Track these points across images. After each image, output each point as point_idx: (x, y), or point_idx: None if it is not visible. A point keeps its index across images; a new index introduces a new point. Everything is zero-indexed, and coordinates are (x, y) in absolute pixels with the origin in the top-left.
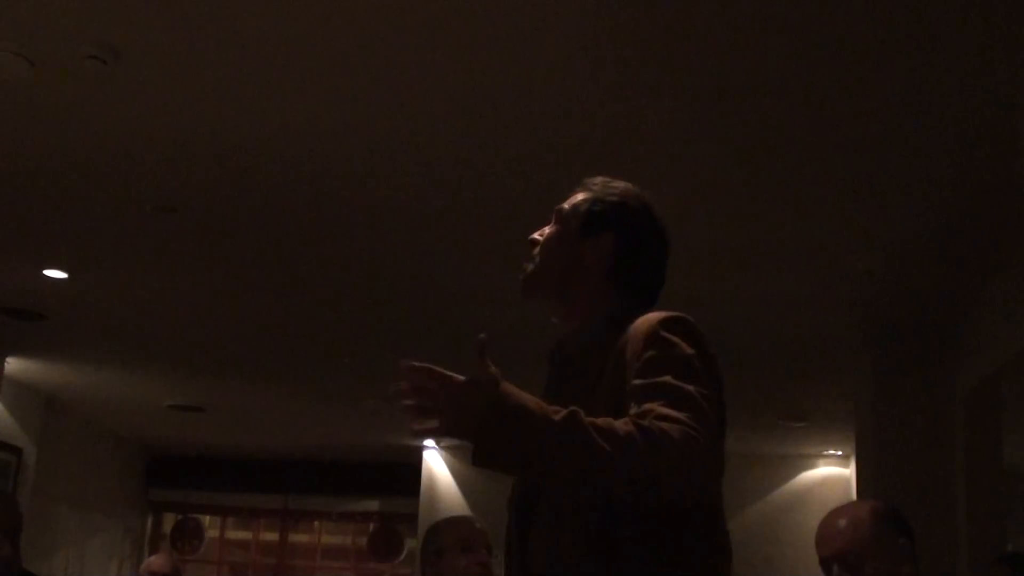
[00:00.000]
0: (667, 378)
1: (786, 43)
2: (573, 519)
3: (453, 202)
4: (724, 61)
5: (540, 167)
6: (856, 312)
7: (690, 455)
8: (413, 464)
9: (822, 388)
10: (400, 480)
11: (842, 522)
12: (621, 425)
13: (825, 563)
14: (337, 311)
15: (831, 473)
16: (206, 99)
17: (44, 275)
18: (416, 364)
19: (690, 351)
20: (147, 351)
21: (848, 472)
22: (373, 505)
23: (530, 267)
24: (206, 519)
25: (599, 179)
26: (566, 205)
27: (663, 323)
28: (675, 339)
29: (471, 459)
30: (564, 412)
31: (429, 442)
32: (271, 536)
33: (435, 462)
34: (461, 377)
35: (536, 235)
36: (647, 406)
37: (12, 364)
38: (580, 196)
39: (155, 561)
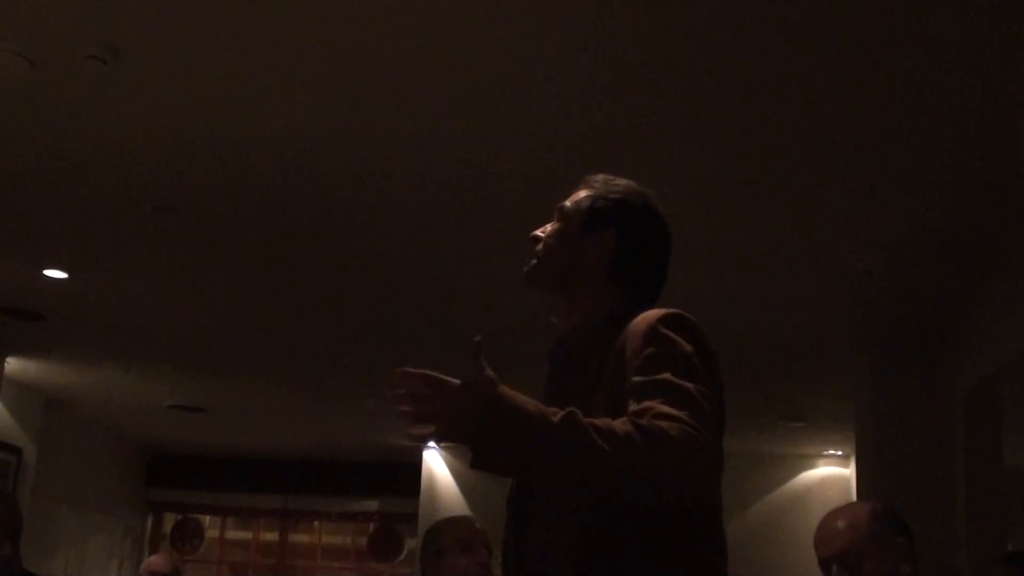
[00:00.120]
0: (666, 375)
1: (786, 43)
2: (570, 519)
3: (453, 202)
4: (724, 61)
5: (540, 167)
6: (856, 312)
7: (689, 454)
8: (413, 464)
9: (822, 388)
10: (400, 480)
11: (841, 523)
12: (620, 425)
13: (825, 564)
14: (337, 311)
15: (831, 473)
16: (206, 99)
17: (44, 275)
18: (411, 370)
19: (689, 349)
20: (147, 351)
21: (848, 472)
22: (373, 505)
23: (533, 263)
24: (206, 519)
25: (601, 176)
26: (568, 202)
27: (663, 320)
28: (675, 336)
29: (470, 463)
30: (562, 413)
31: (429, 442)
32: (271, 536)
33: (435, 462)
34: (457, 381)
35: (538, 231)
36: (646, 403)
37: (12, 364)
38: (582, 193)
39: (155, 561)
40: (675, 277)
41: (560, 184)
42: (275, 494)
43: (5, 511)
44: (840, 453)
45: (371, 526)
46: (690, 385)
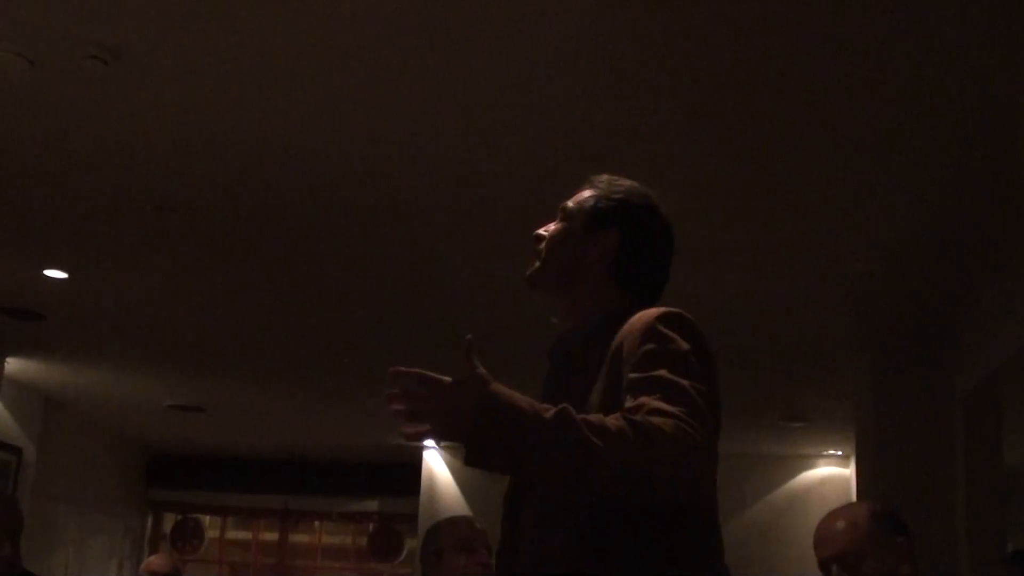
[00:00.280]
0: (662, 372)
1: (786, 43)
2: (565, 517)
3: (453, 202)
4: (724, 61)
5: (541, 167)
6: (856, 312)
7: (683, 449)
8: (413, 464)
9: (822, 388)
10: (400, 480)
11: (840, 523)
12: (612, 421)
13: (824, 564)
14: (337, 311)
15: (831, 473)
16: (206, 99)
17: (44, 275)
18: (404, 369)
19: (686, 347)
20: (147, 351)
21: (848, 472)
22: (373, 505)
23: (536, 263)
24: (206, 519)
25: (605, 177)
26: (571, 202)
27: (661, 318)
28: (672, 334)
29: (463, 460)
30: (554, 410)
31: (429, 442)
32: (271, 536)
33: (435, 462)
34: (449, 379)
35: (541, 231)
36: (642, 399)
37: (12, 364)
38: (586, 193)
39: (155, 561)
40: (675, 277)
41: (560, 184)
42: (275, 494)
43: (5, 511)
44: (840, 453)
45: (371, 526)
46: (686, 382)
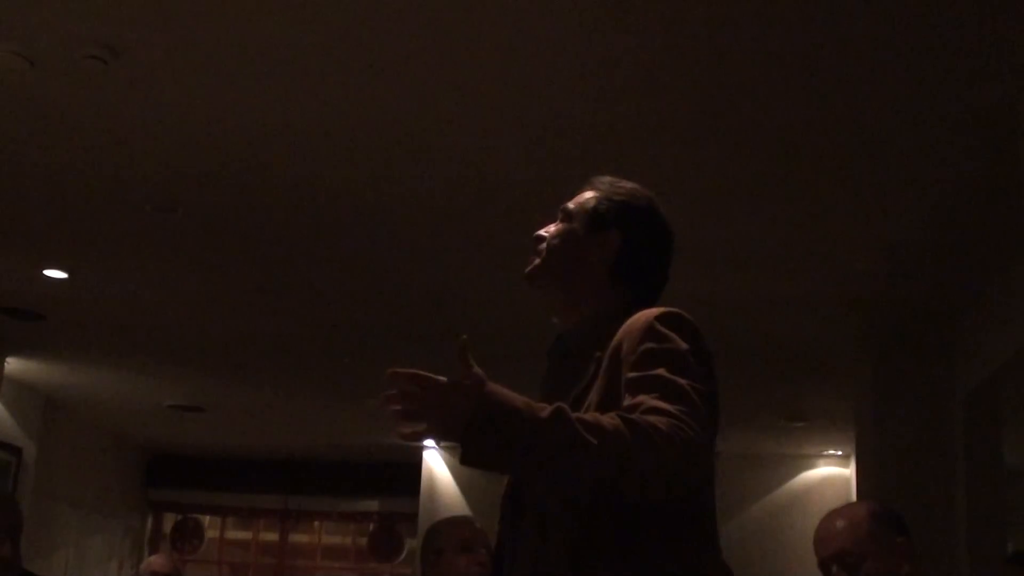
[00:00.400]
0: (661, 371)
1: (787, 44)
2: (563, 517)
3: (454, 202)
4: (725, 62)
5: (540, 167)
6: (856, 312)
7: (678, 448)
8: (413, 464)
9: (822, 388)
10: (400, 480)
11: (840, 523)
12: (608, 419)
13: (824, 565)
14: (337, 311)
15: (831, 473)
16: (206, 99)
17: (44, 275)
18: (400, 370)
19: (685, 346)
20: (147, 351)
21: (848, 472)
22: (373, 505)
23: (536, 261)
24: (206, 519)
25: (607, 178)
26: (572, 204)
27: (659, 318)
28: (670, 334)
29: (460, 459)
30: (550, 409)
31: (429, 442)
32: (271, 536)
33: (435, 462)
34: (444, 379)
35: (542, 232)
36: (640, 398)
37: (12, 364)
38: (587, 195)
39: (155, 561)
40: (676, 277)
41: (560, 184)
42: (275, 494)
43: (5, 511)
44: (840, 453)
45: (371, 526)
46: (684, 381)
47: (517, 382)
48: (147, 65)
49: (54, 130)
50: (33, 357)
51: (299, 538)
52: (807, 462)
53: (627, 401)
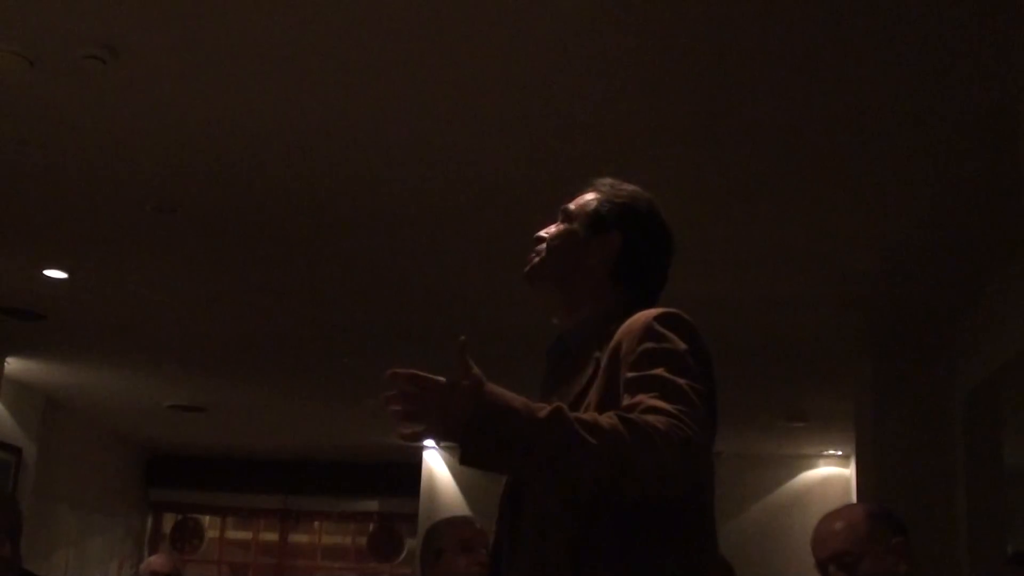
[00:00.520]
0: (659, 371)
1: (787, 44)
2: (561, 517)
3: (453, 202)
4: (724, 62)
5: (541, 168)
6: (856, 312)
7: (677, 446)
8: (413, 464)
9: (822, 388)
10: (400, 480)
11: (838, 524)
12: (606, 419)
13: (821, 566)
14: (337, 311)
15: (831, 473)
16: (206, 99)
17: (44, 275)
18: (399, 371)
19: (683, 346)
20: (147, 351)
21: (848, 472)
22: (373, 505)
23: (535, 260)
24: (206, 519)
25: (608, 181)
26: (572, 205)
27: (658, 319)
28: (669, 334)
29: (459, 459)
30: (548, 408)
31: (429, 442)
32: (271, 536)
33: (435, 462)
34: (443, 379)
35: (542, 232)
36: (638, 398)
37: (12, 364)
38: (589, 196)
39: (155, 561)
40: (676, 277)
41: (560, 185)
42: (275, 494)
43: (5, 511)
44: (840, 453)
45: (371, 526)
46: (682, 381)
47: (517, 382)
48: (147, 65)
49: (54, 130)
50: (33, 357)
51: (299, 538)
52: (807, 462)
53: (626, 401)
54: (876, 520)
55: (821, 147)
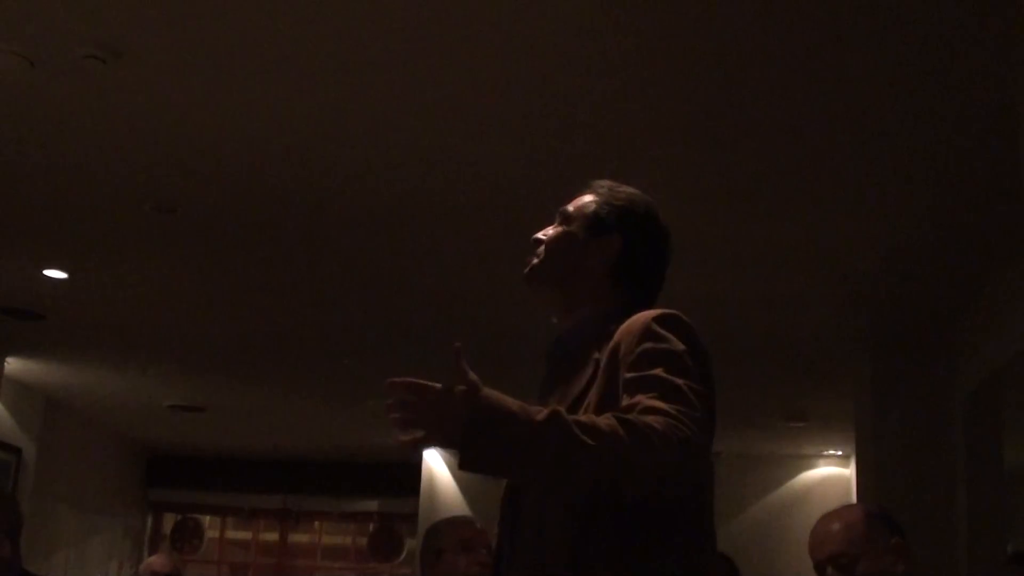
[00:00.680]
0: (658, 371)
1: (787, 44)
2: (560, 518)
3: (453, 203)
4: (725, 62)
5: (541, 167)
6: (856, 312)
7: (675, 447)
8: (413, 464)
9: (822, 388)
10: (400, 480)
11: (835, 525)
12: (604, 421)
13: (819, 566)
14: (337, 312)
15: (831, 473)
16: (206, 99)
17: (44, 275)
18: (397, 380)
19: (682, 347)
20: (147, 351)
21: (848, 472)
22: (373, 505)
23: (534, 263)
24: (206, 519)
25: (606, 183)
26: (571, 207)
27: (657, 319)
28: (668, 335)
29: (458, 465)
30: (546, 412)
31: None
32: (271, 536)
33: (435, 462)
34: (439, 386)
35: (540, 234)
36: (637, 398)
37: (12, 364)
38: (587, 198)
39: (155, 561)
40: (676, 277)
41: (561, 185)
42: (275, 494)
43: (5, 511)
44: (840, 453)
45: (371, 526)
46: (681, 381)
47: (517, 382)
48: (147, 65)
49: (54, 130)
50: (33, 357)
51: (299, 538)
52: (807, 462)
53: (625, 401)
54: (873, 521)
55: (821, 147)
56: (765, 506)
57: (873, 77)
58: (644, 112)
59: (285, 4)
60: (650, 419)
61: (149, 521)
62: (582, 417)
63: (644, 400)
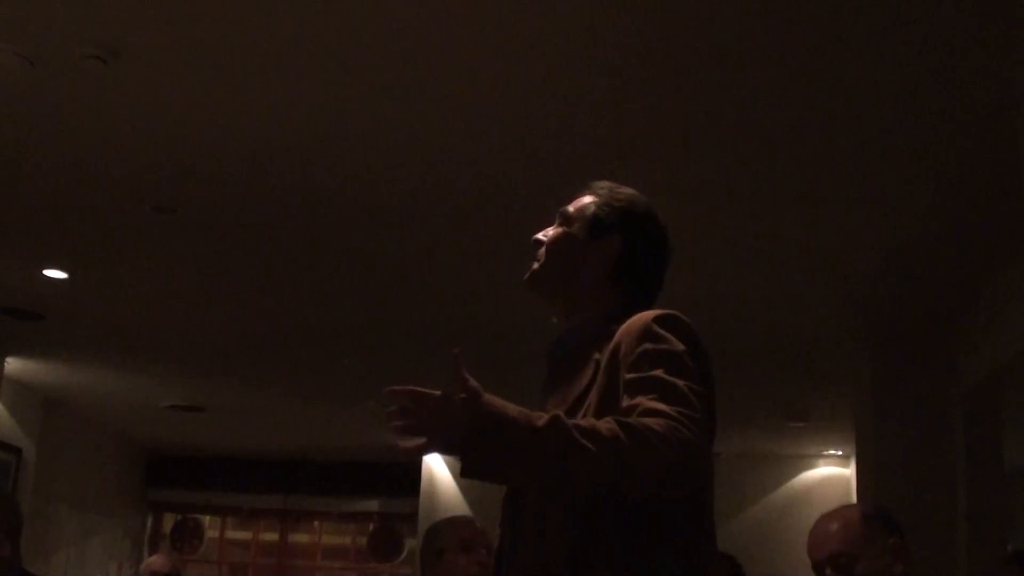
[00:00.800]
0: (658, 372)
1: (786, 44)
2: (560, 519)
3: (453, 203)
4: (724, 63)
5: (541, 167)
6: (856, 312)
7: (676, 448)
8: (413, 464)
9: (822, 388)
10: (400, 480)
11: (833, 525)
12: (604, 424)
13: (818, 567)
14: (337, 311)
15: (831, 473)
16: (206, 99)
17: (44, 275)
18: (397, 388)
19: (682, 347)
20: (147, 351)
21: (848, 472)
22: (373, 505)
23: (535, 265)
24: (206, 519)
25: (605, 184)
26: (571, 208)
27: (656, 320)
28: (668, 335)
29: (460, 472)
30: (546, 417)
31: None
32: (271, 536)
33: (435, 462)
34: (439, 393)
35: (540, 235)
36: (637, 399)
37: (12, 364)
38: (587, 199)
39: (155, 561)
40: (676, 277)
41: (561, 185)
42: (275, 494)
43: (5, 511)
44: (840, 453)
45: (371, 526)
46: (681, 382)
47: (517, 382)
48: (147, 65)
49: (54, 130)
50: (33, 357)
51: (299, 538)
52: (807, 462)
53: (625, 402)
54: (872, 521)
55: (821, 147)
56: (765, 506)
57: (873, 77)
58: (644, 112)
59: (285, 4)
60: (650, 421)
61: (149, 521)
62: (582, 421)
63: (644, 402)
